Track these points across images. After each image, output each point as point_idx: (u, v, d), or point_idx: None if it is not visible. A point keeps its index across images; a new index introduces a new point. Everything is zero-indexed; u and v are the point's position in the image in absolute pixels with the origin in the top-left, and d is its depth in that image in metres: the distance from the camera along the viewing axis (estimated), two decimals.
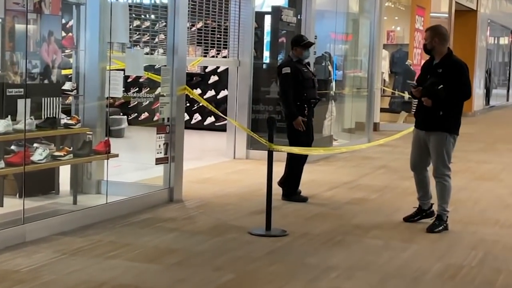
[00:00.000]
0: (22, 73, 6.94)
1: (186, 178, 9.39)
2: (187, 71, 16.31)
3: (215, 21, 12.08)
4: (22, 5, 6.87)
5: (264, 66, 12.40)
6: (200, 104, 15.44)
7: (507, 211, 8.43)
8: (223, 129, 13.03)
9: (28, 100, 6.86)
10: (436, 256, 6.31)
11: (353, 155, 12.15)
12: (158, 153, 7.97)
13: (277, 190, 8.75)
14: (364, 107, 15.47)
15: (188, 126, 15.25)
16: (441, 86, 6.76)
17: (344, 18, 15.07)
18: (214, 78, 15.85)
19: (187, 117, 15.70)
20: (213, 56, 13.38)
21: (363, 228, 7.26)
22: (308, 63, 9.05)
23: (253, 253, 6.16)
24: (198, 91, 15.93)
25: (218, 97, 15.60)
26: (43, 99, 7.13)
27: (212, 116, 15.54)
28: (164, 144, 8.02)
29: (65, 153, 7.13)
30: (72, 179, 7.82)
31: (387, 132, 16.22)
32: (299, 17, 12.22)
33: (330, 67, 13.93)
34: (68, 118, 7.45)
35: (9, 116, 6.59)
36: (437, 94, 6.80)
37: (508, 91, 32.65)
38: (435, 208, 7.40)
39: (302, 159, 8.69)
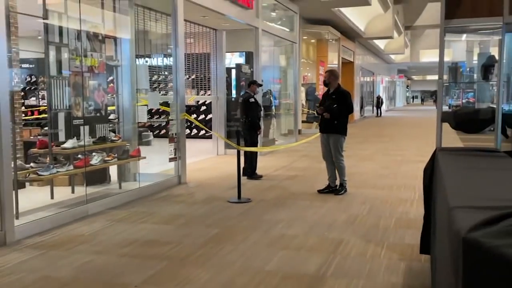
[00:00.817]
0: (83, 110, 6.43)
1: (188, 168, 8.91)
2: (186, 104, 16.04)
3: (202, 74, 11.81)
4: (80, 68, 6.37)
5: (233, 99, 12.03)
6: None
7: (380, 179, 8.12)
8: (209, 137, 12.58)
9: (87, 127, 6.41)
10: (341, 210, 5.96)
11: (287, 149, 11.77)
12: (170, 155, 7.51)
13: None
14: (292, 120, 15.16)
15: (189, 136, 14.90)
16: (335, 105, 6.62)
17: (278, 69, 14.86)
18: (203, 108, 15.37)
19: (188, 131, 15.35)
20: (203, 94, 12.90)
21: (297, 194, 6.88)
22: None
23: (230, 214, 5.74)
24: (194, 115, 15.52)
25: (207, 118, 15.12)
26: (96, 125, 6.65)
27: (203, 130, 15.09)
28: (173, 149, 7.57)
29: (112, 158, 6.65)
30: (118, 173, 7.30)
31: (306, 134, 15.95)
32: (251, 69, 11.87)
33: (271, 98, 13.67)
34: (114, 136, 6.94)
35: (75, 137, 6.09)
36: (332, 111, 6.63)
37: (373, 107, 32.73)
38: (337, 183, 6.98)
39: (256, 153, 8.28)
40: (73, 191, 6.51)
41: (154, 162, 8.31)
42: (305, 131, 17.45)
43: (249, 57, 12.94)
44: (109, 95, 7.43)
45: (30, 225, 4.94)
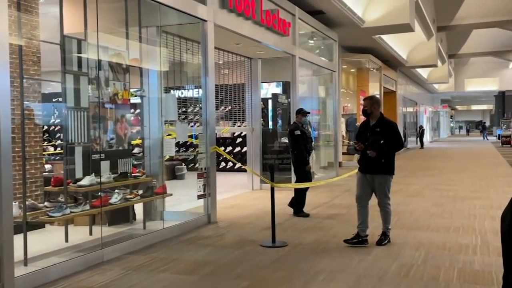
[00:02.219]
0: (102, 143, 5.91)
1: (220, 205, 8.24)
2: (223, 136, 15.57)
3: (238, 105, 11.30)
4: (101, 98, 5.89)
5: (269, 130, 11.41)
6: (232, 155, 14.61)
7: (433, 219, 7.17)
8: (245, 170, 11.83)
9: (107, 162, 5.87)
10: (392, 258, 5.10)
11: (327, 184, 10.91)
12: (198, 191, 6.87)
13: (283, 210, 7.63)
14: (332, 153, 14.34)
15: (223, 169, 14.31)
16: (382, 141, 5.48)
17: (317, 99, 14.22)
18: (239, 140, 14.78)
19: (223, 164, 14.78)
20: (239, 126, 12.34)
21: (339, 237, 6.04)
22: (306, 125, 8.05)
23: (262, 262, 4.98)
24: (230, 148, 15.00)
25: (243, 151, 14.54)
26: (118, 160, 6.10)
27: (230, 162, 14.62)
28: (202, 185, 6.92)
29: (134, 196, 6.05)
30: (144, 212, 6.69)
31: (347, 167, 15.09)
32: (288, 100, 11.25)
33: (309, 129, 12.99)
34: (137, 171, 6.37)
35: (93, 173, 5.54)
36: (380, 148, 5.49)
37: (416, 138, 31.43)
38: (377, 230, 5.88)
39: (305, 189, 7.58)
40: (90, 233, 5.92)
41: (186, 198, 7.68)
42: (346, 164, 16.59)
43: (287, 87, 12.41)
44: (133, 127, 6.91)
45: (34, 276, 4.34)
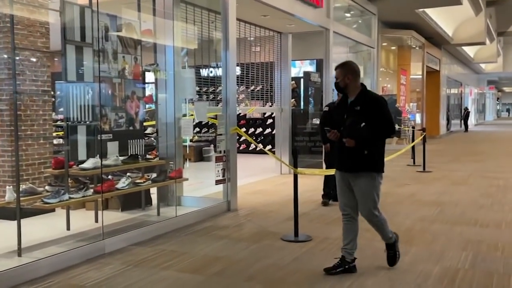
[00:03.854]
0: (111, 122, 5.37)
1: (243, 190, 7.68)
2: (252, 117, 14.93)
3: (269, 84, 10.57)
4: (108, 73, 5.33)
5: (301, 111, 10.64)
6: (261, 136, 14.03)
7: (482, 211, 6.33)
8: (273, 153, 11.18)
9: (115, 143, 5.34)
10: (434, 259, 4.35)
11: None
12: (217, 176, 6.26)
13: (310, 198, 6.95)
14: None
15: (250, 151, 13.69)
16: (363, 124, 3.81)
17: None
18: (270, 121, 14.07)
19: (253, 145, 14.18)
20: (270, 106, 11.62)
21: (371, 230, 5.29)
22: None
23: (281, 260, 4.33)
24: (260, 129, 14.36)
25: (273, 133, 13.84)
26: (128, 141, 5.55)
27: (270, 145, 13.90)
28: (221, 169, 6.32)
29: (145, 180, 5.51)
30: (158, 197, 6.15)
31: (386, 150, 14.17)
32: (322, 78, 10.44)
33: None
34: (149, 153, 5.81)
35: (98, 155, 5.00)
36: (360, 134, 3.81)
37: (460, 121, 29.86)
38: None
39: (331, 175, 6.78)
40: (96, 220, 5.41)
41: (209, 182, 7.11)
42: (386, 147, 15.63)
43: (321, 65, 11.57)
44: (147, 106, 6.36)
45: (22, 270, 3.85)
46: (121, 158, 5.36)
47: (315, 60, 12.94)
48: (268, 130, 14.15)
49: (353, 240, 4.06)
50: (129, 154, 5.49)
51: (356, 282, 3.78)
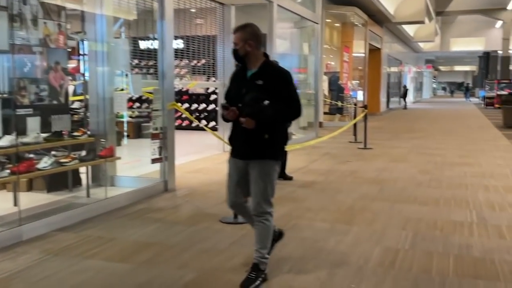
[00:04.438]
0: (31, 96, 4.84)
1: (183, 169, 7.35)
2: (195, 92, 14.45)
3: (212, 58, 10.15)
4: (27, 40, 4.77)
5: None
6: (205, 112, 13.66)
7: (421, 189, 6.33)
8: (216, 129, 10.85)
9: (37, 118, 4.81)
10: (374, 239, 4.22)
11: (305, 145, 10.00)
12: (153, 154, 5.87)
13: None
14: (313, 113, 13.38)
15: (192, 128, 13.28)
16: (267, 102, 3.10)
17: (298, 56, 13.24)
18: (214, 96, 13.66)
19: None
20: (214, 81, 11.21)
21: (313, 210, 5.16)
22: None
23: (218, 244, 4.05)
24: (204, 105, 13.94)
25: (217, 108, 13.48)
26: (52, 116, 5.04)
27: (214, 121, 13.60)
28: (158, 147, 5.93)
29: (71, 160, 5.04)
30: (87, 177, 5.69)
31: (328, 128, 14.22)
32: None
33: None
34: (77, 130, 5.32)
35: (15, 132, 4.48)
36: (262, 113, 3.10)
37: (399, 99, 30.58)
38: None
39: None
40: (15, 203, 4.90)
41: (147, 160, 6.72)
42: (327, 124, 15.71)
43: (265, 40, 11.30)
44: (76, 78, 5.84)
45: None
46: (44, 135, 4.86)
47: None
48: (212, 106, 13.74)
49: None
50: (53, 131, 4.99)
51: (296, 265, 3.57)
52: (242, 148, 3.25)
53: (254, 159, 3.20)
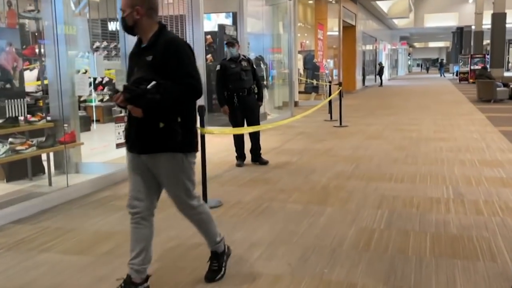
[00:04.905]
0: None
1: None
2: None
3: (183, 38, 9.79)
4: None
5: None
6: None
7: (396, 165, 6.18)
8: None
9: None
10: (349, 219, 4.05)
11: (279, 124, 9.79)
12: (118, 139, 5.58)
13: (224, 159, 6.47)
14: (287, 92, 13.16)
15: None
16: (154, 83, 2.50)
17: (271, 35, 12.95)
18: None
19: None
20: None
21: (286, 191, 4.96)
22: (243, 60, 6.09)
23: (185, 231, 3.81)
24: None
25: None
26: (6, 101, 4.69)
27: None
28: (123, 131, 5.62)
29: (27, 146, 4.73)
30: (48, 164, 5.39)
31: (303, 107, 14.04)
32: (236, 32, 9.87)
33: (262, 65, 11.72)
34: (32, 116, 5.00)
35: None
36: (145, 98, 2.50)
37: (375, 77, 30.54)
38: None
39: (237, 135, 6.21)
40: None
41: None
42: (302, 103, 15.53)
43: (235, 19, 10.97)
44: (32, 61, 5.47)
45: None
46: None
47: (231, 13, 12.26)
48: None
49: (144, 251, 2.76)
50: (7, 116, 4.66)
51: (266, 251, 3.37)
52: (135, 141, 2.68)
53: (150, 153, 2.64)
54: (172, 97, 2.54)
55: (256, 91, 6.19)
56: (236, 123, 6.05)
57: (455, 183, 5.18)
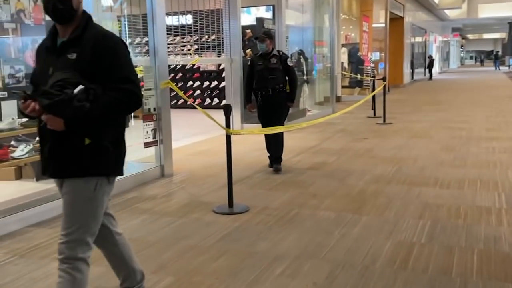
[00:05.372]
0: (4, 78, 4.39)
1: (185, 151, 6.93)
2: (207, 69, 13.92)
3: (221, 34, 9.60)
4: None
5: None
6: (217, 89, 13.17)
7: (443, 168, 5.70)
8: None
9: (13, 102, 4.37)
10: (386, 231, 3.67)
11: (317, 122, 9.38)
12: (146, 138, 5.40)
13: (256, 158, 6.17)
14: (329, 86, 12.70)
15: (210, 106, 12.84)
16: (81, 87, 1.95)
17: (312, 27, 12.50)
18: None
19: (209, 100, 13.30)
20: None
21: (318, 197, 4.61)
22: (274, 56, 5.57)
23: (206, 240, 3.57)
24: (216, 82, 13.41)
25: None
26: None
27: (216, 98, 13.28)
28: (151, 130, 5.45)
29: None
30: None
31: (346, 102, 13.56)
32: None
33: (302, 60, 11.31)
34: None
35: None
36: (76, 105, 1.94)
37: (425, 70, 29.36)
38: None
39: (266, 137, 5.75)
40: None
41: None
42: (345, 98, 15.01)
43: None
44: None
45: None
46: (22, 120, 4.43)
47: (271, 6, 11.93)
48: (224, 84, 13.19)
49: (124, 266, 2.49)
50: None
51: (290, 266, 3.06)
52: (49, 160, 2.13)
53: (69, 177, 2.10)
54: (106, 106, 2.02)
55: (287, 89, 5.63)
56: (262, 123, 5.72)
57: (508, 190, 4.67)
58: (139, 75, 5.67)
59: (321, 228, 3.74)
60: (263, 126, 5.66)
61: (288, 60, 5.67)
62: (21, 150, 4.30)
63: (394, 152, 6.67)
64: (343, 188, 4.87)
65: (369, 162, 6.09)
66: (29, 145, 4.38)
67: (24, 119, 4.44)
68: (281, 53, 5.77)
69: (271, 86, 5.56)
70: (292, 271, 3.01)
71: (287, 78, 5.64)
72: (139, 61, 5.62)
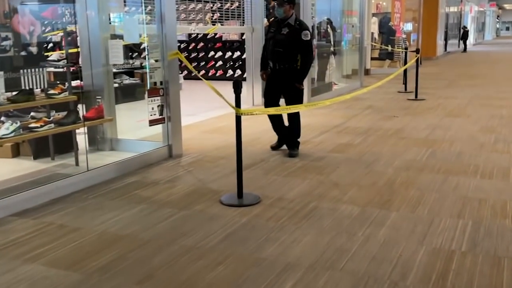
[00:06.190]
0: None
1: (200, 128, 6.44)
2: (229, 39, 13.26)
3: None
4: None
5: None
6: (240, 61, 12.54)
7: (483, 153, 5.02)
8: (245, 79, 9.66)
9: None
10: (419, 234, 3.08)
11: (342, 98, 8.68)
12: (151, 115, 4.87)
13: (272, 139, 5.60)
14: (357, 58, 11.89)
15: (222, 78, 12.29)
16: None
17: None
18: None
19: (231, 71, 12.70)
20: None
21: (340, 186, 4.03)
22: (288, 25, 4.84)
23: (207, 239, 3.05)
24: (238, 53, 12.76)
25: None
26: (21, 71, 4.09)
27: (238, 70, 12.69)
28: (158, 106, 4.91)
29: (43, 124, 4.12)
30: (74, 141, 4.83)
31: (376, 75, 12.78)
32: None
33: (330, 30, 10.51)
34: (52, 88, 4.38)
35: None
36: None
37: (459, 41, 27.86)
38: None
39: (271, 116, 5.19)
40: None
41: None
42: (374, 71, 14.17)
43: None
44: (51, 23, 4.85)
45: None
46: (9, 94, 3.96)
47: None
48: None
49: None
50: (21, 89, 4.06)
51: (302, 279, 2.52)
52: None
53: None
54: None
55: (298, 66, 4.88)
56: (265, 95, 5.11)
57: None
58: (143, 45, 5.13)
59: (342, 228, 3.18)
60: (265, 106, 5.06)
61: (303, 33, 4.79)
62: (6, 129, 3.83)
63: (427, 133, 6.00)
64: (369, 176, 4.27)
65: (399, 144, 5.45)
66: (16, 123, 3.90)
67: (14, 93, 3.98)
68: (297, 23, 4.92)
69: (274, 60, 4.94)
70: (304, 286, 2.47)
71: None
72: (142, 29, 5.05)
